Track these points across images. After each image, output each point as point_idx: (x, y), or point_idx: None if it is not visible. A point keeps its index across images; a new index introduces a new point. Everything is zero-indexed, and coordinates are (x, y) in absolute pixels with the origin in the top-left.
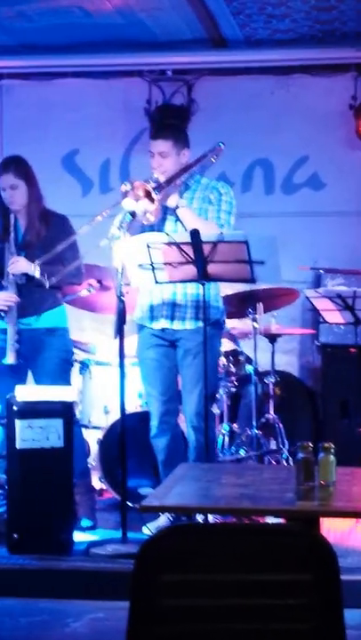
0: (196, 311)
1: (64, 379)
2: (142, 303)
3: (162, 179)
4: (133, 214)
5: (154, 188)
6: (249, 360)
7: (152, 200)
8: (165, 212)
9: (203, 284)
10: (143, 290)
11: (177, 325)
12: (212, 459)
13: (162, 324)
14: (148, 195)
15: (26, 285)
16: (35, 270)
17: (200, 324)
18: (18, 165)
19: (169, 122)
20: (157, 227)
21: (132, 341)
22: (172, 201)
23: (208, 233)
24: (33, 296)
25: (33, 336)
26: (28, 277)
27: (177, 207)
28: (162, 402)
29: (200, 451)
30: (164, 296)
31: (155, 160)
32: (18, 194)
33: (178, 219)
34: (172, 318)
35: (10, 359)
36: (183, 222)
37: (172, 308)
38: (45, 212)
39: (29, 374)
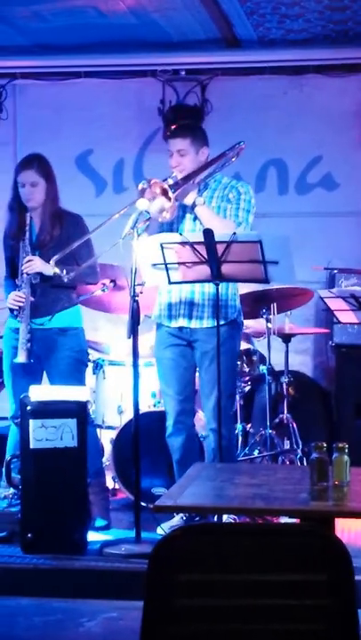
0: (214, 310)
1: (78, 379)
2: (161, 302)
3: (180, 177)
4: (146, 214)
5: (170, 186)
6: (263, 360)
7: (168, 198)
8: (184, 210)
9: (217, 284)
10: (162, 289)
11: (194, 324)
12: (232, 460)
13: (180, 322)
14: (164, 192)
15: (40, 285)
16: (51, 269)
17: (220, 322)
18: (40, 163)
19: (186, 121)
20: (176, 225)
21: (145, 340)
22: (190, 199)
23: (225, 231)
24: (47, 296)
25: (46, 336)
26: (43, 277)
27: (194, 205)
28: (178, 401)
29: (217, 454)
30: (182, 295)
31: (173, 158)
32: (37, 191)
33: (196, 217)
34: (190, 317)
35: (21, 358)
36: (201, 220)
37: (190, 307)
38: (60, 211)
39: (44, 374)
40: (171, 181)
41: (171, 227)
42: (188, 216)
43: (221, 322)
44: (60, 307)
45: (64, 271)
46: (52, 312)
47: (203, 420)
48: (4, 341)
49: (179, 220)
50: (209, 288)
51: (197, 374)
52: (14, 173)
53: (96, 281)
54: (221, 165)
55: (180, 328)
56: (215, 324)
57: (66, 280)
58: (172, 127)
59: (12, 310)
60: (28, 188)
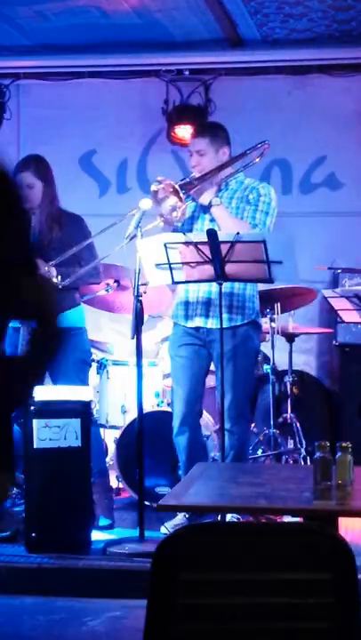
0: (231, 309)
1: (81, 379)
2: (179, 301)
3: (197, 176)
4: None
5: (182, 185)
6: (267, 359)
7: (179, 197)
8: (202, 210)
9: (220, 284)
10: (180, 288)
11: (211, 324)
12: (244, 460)
13: (196, 322)
14: (175, 192)
15: None
16: (49, 273)
17: (235, 322)
18: (38, 165)
19: (207, 121)
20: (193, 225)
21: (149, 337)
22: (206, 198)
23: (224, 233)
24: None
25: None
26: None
27: (210, 205)
28: (187, 402)
29: (235, 452)
30: (199, 294)
31: (193, 158)
32: (33, 193)
33: (212, 217)
34: (207, 316)
35: None
36: (217, 221)
37: (207, 307)
38: (60, 212)
39: (47, 374)
40: (188, 180)
41: (189, 227)
42: (205, 216)
43: (240, 322)
44: (64, 307)
45: (59, 277)
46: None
47: (206, 421)
48: (7, 341)
49: (196, 219)
50: (225, 287)
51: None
52: (12, 175)
53: (99, 281)
54: (244, 165)
55: (197, 328)
56: (231, 324)
57: (60, 287)
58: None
59: None
60: (24, 190)
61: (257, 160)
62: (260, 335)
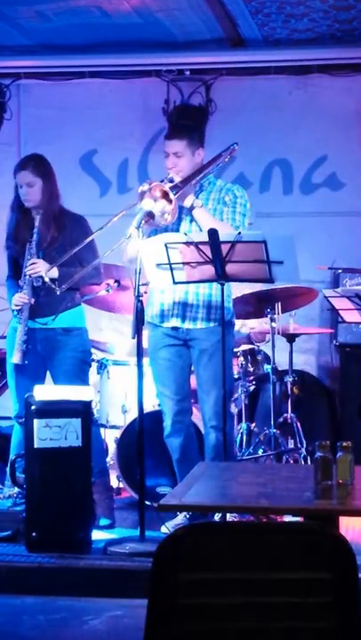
0: (208, 311)
1: (81, 379)
2: (154, 302)
3: (177, 179)
4: (151, 215)
5: (171, 188)
6: (267, 359)
7: (170, 200)
8: (181, 212)
9: (222, 284)
10: (155, 289)
11: (188, 325)
12: (231, 458)
13: (172, 322)
14: (165, 195)
15: (43, 286)
16: (47, 276)
17: (211, 324)
18: (37, 163)
19: (182, 122)
20: (173, 227)
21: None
22: (188, 201)
23: (223, 233)
24: (51, 296)
25: (50, 336)
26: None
27: (192, 207)
28: (175, 401)
29: (219, 450)
30: (175, 296)
31: (169, 160)
32: (33, 192)
33: (193, 219)
34: (184, 318)
35: (16, 359)
36: (198, 222)
37: (184, 308)
38: (62, 211)
39: (47, 374)
40: (170, 184)
41: (166, 229)
42: (185, 218)
43: (217, 323)
44: (64, 307)
45: (56, 282)
46: (55, 312)
47: (199, 418)
48: (8, 341)
49: (176, 221)
50: (203, 289)
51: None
52: (13, 174)
53: (100, 281)
54: (216, 167)
55: (175, 328)
56: (208, 325)
57: (58, 292)
58: (169, 129)
59: (13, 310)
60: (24, 189)
61: (226, 160)
62: (233, 332)
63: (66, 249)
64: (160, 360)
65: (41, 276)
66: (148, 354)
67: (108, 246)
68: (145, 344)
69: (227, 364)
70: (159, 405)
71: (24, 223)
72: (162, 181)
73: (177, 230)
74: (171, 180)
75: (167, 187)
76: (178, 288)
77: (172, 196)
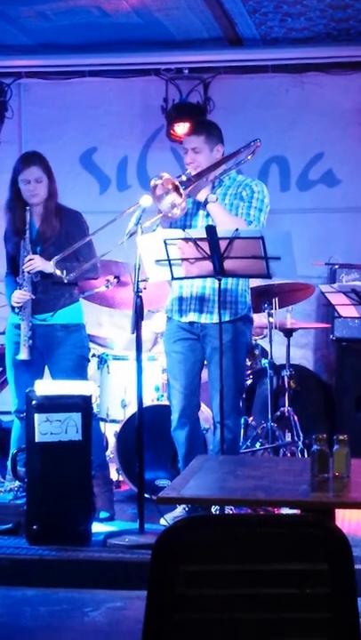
0: (224, 305)
1: (80, 374)
2: (173, 296)
3: (193, 173)
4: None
5: (182, 183)
6: (264, 354)
7: (180, 194)
8: (198, 206)
9: (219, 280)
10: (175, 283)
11: (205, 319)
12: (236, 452)
13: (190, 317)
14: (176, 189)
15: (42, 282)
16: (51, 268)
17: (228, 318)
18: (41, 160)
19: (201, 119)
20: (189, 222)
21: (144, 327)
22: (202, 195)
23: (222, 230)
24: (49, 293)
25: (49, 332)
26: (43, 274)
27: (207, 202)
28: (184, 395)
29: (227, 445)
30: (193, 290)
31: (188, 155)
32: (41, 187)
33: (209, 214)
34: (201, 312)
35: (23, 355)
36: (213, 217)
37: (201, 302)
38: (59, 207)
39: (46, 369)
40: (184, 178)
41: (184, 224)
42: (202, 212)
43: (232, 317)
44: (63, 303)
45: (64, 272)
46: (54, 308)
47: (205, 414)
48: (7, 337)
49: (192, 216)
50: (220, 284)
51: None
52: (13, 172)
53: (97, 276)
54: (236, 163)
55: (191, 323)
56: (226, 319)
57: (66, 281)
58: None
59: (12, 307)
60: (33, 184)
61: (249, 158)
62: (251, 329)
63: (63, 244)
64: (173, 353)
65: (40, 272)
66: (163, 346)
67: (108, 243)
68: (145, 337)
69: (240, 360)
70: (158, 399)
71: (21, 220)
72: (179, 176)
73: (193, 225)
74: (188, 175)
75: (177, 181)
76: (196, 283)
77: (182, 189)
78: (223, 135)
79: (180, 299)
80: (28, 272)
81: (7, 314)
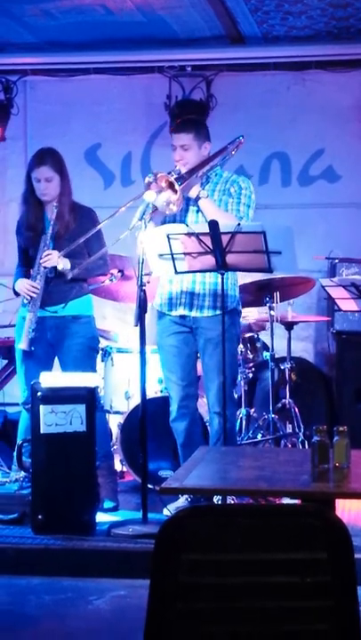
0: (214, 300)
1: (89, 365)
2: (162, 291)
3: (184, 171)
4: (154, 207)
5: (176, 179)
6: (266, 347)
7: (175, 191)
8: (188, 202)
9: (222, 274)
10: (164, 279)
11: (195, 313)
12: (232, 443)
13: (180, 311)
14: (170, 186)
15: (55, 276)
16: (59, 264)
17: (218, 312)
18: (53, 158)
19: (189, 116)
20: (180, 217)
21: (152, 327)
22: (194, 192)
23: (226, 224)
24: (61, 285)
25: (59, 323)
26: (57, 270)
27: (198, 198)
28: (181, 387)
29: (221, 435)
30: (183, 285)
31: (177, 153)
32: (52, 186)
33: (199, 210)
34: (191, 306)
35: (23, 345)
36: (204, 213)
37: (191, 297)
38: (73, 204)
39: (55, 361)
40: (175, 175)
41: (174, 219)
42: (192, 208)
43: (222, 311)
44: (74, 295)
45: (71, 269)
46: (65, 300)
47: (205, 406)
48: (17, 330)
49: (182, 212)
50: (209, 278)
51: (199, 360)
52: (28, 167)
53: (106, 272)
54: (222, 159)
55: (183, 316)
56: (215, 313)
57: (70, 277)
58: (176, 122)
59: (16, 293)
60: (43, 184)
61: (233, 153)
62: (240, 320)
63: (76, 240)
64: (167, 347)
65: (55, 267)
66: (156, 341)
67: (112, 237)
68: (149, 332)
69: (232, 351)
70: (161, 391)
71: (35, 215)
72: (169, 173)
73: (184, 221)
74: (178, 172)
75: (172, 177)
76: (185, 278)
77: (177, 186)
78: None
79: (170, 294)
80: (45, 267)
81: (17, 307)
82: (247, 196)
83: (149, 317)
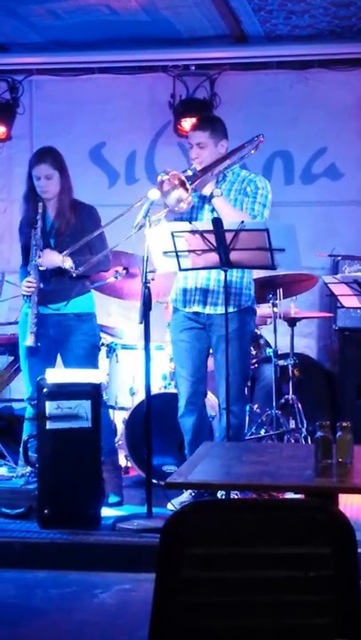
0: (230, 297)
1: (92, 362)
2: (177, 287)
3: (198, 168)
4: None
5: (188, 177)
6: (269, 343)
7: (186, 189)
8: (203, 200)
9: (225, 271)
10: (179, 275)
11: (209, 310)
12: (241, 438)
13: (195, 308)
14: (182, 183)
15: (55, 273)
16: (64, 262)
17: (232, 309)
18: (53, 156)
19: (207, 114)
20: (195, 215)
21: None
22: (208, 189)
23: (237, 223)
24: (63, 282)
25: (62, 320)
26: (58, 267)
27: (212, 196)
28: (191, 383)
29: (232, 431)
30: (198, 281)
31: (193, 151)
32: (52, 184)
33: (213, 208)
34: (205, 303)
35: (29, 342)
36: (218, 211)
37: (205, 294)
38: (74, 202)
39: (58, 357)
40: (190, 172)
41: (190, 216)
42: (207, 207)
43: (236, 309)
44: (76, 292)
45: (74, 265)
46: (67, 298)
47: (211, 401)
48: (20, 326)
49: (198, 209)
50: (224, 276)
51: (210, 357)
52: (29, 166)
53: (108, 268)
54: (240, 158)
55: (196, 313)
56: (231, 310)
57: (74, 275)
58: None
59: (24, 295)
60: (43, 181)
61: (252, 152)
62: (254, 319)
63: (78, 238)
64: (180, 342)
65: (58, 265)
66: (170, 335)
67: (117, 235)
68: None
69: (245, 348)
70: (165, 387)
71: (34, 212)
72: (184, 171)
73: (199, 219)
74: (194, 170)
75: (184, 175)
76: (200, 274)
77: (188, 184)
78: (229, 130)
79: (185, 290)
80: (40, 265)
81: (20, 304)
82: (263, 195)
83: (154, 314)
